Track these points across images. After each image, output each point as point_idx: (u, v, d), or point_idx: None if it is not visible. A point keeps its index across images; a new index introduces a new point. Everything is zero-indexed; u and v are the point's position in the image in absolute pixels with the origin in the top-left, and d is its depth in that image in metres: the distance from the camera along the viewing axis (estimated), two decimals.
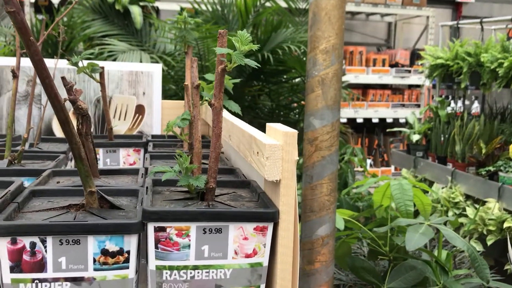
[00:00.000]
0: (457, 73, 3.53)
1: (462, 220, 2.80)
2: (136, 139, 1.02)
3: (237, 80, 1.26)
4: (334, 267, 2.01)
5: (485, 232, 2.73)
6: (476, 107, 4.47)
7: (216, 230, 0.53)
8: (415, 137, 3.67)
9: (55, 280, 0.51)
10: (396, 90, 4.70)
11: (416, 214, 1.83)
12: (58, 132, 1.08)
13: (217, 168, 0.58)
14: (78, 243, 0.50)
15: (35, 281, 0.50)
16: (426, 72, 3.70)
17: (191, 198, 0.59)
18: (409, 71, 4.43)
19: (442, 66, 3.67)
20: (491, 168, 3.04)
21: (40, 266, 0.50)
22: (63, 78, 0.65)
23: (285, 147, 0.53)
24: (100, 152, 0.98)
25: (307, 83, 1.19)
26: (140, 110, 1.11)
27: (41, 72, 0.48)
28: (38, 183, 0.64)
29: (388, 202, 1.78)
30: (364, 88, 4.54)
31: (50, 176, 0.70)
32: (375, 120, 4.56)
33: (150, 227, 0.52)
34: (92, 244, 0.51)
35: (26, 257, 0.50)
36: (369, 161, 4.60)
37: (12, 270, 0.50)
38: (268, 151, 0.53)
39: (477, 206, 2.82)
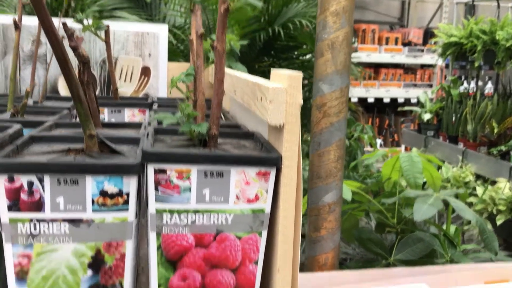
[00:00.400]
0: (471, 52, 3.47)
1: (472, 199, 2.77)
2: (141, 100, 1.01)
3: (245, 42, 1.24)
4: (341, 241, 2.00)
5: (495, 212, 2.70)
6: (489, 88, 4.41)
7: (217, 174, 0.52)
8: (426, 116, 3.63)
9: (53, 220, 0.50)
10: (408, 69, 4.63)
11: (425, 188, 1.80)
12: (64, 92, 1.07)
13: (219, 114, 0.56)
14: (76, 183, 0.49)
15: (33, 221, 0.49)
16: (439, 50, 3.64)
17: (193, 145, 0.58)
18: (422, 50, 4.36)
19: (456, 44, 3.60)
20: (503, 148, 3.00)
21: (38, 205, 0.49)
22: (64, 24, 0.63)
23: (289, 90, 0.51)
24: (105, 111, 0.97)
25: (316, 48, 1.17)
26: (146, 72, 1.10)
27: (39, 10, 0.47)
28: (39, 131, 0.63)
29: (397, 176, 1.76)
30: (376, 67, 4.48)
31: (52, 127, 0.69)
32: (386, 100, 4.52)
33: (150, 169, 0.51)
34: (91, 185, 0.50)
35: (23, 196, 0.49)
36: (379, 141, 4.57)
37: (10, 209, 0.49)
38: (272, 94, 0.51)
39: (488, 186, 2.79)
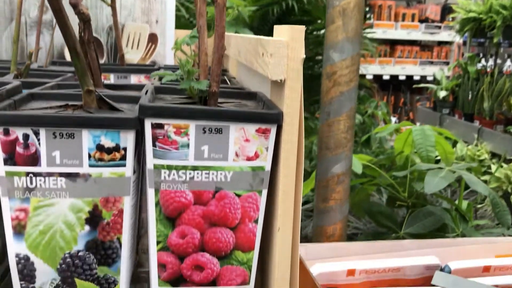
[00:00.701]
0: (490, 28, 3.39)
1: (486, 178, 2.73)
2: (148, 67, 1.00)
3: (253, 8, 1.22)
4: (352, 215, 1.99)
5: (509, 190, 2.66)
6: (508, 66, 4.32)
7: (216, 130, 0.50)
8: (442, 94, 3.57)
9: (50, 174, 0.49)
10: (424, 46, 4.56)
11: (437, 163, 1.78)
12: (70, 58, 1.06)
13: (219, 71, 0.55)
14: (72, 137, 0.48)
15: (29, 175, 0.49)
16: (457, 26, 3.57)
17: (193, 103, 0.57)
18: (439, 27, 4.28)
19: (474, 20, 3.52)
20: None
21: (34, 159, 0.49)
22: None
23: (291, 43, 0.50)
24: (111, 77, 0.96)
25: (327, 15, 1.14)
26: (153, 39, 1.09)
27: None
28: (40, 89, 0.62)
29: (410, 150, 1.73)
30: (392, 44, 4.41)
31: (54, 88, 0.68)
32: (402, 77, 4.46)
33: (147, 123, 0.49)
34: (87, 139, 0.49)
35: (19, 149, 0.48)
36: (394, 119, 4.52)
37: (6, 162, 0.48)
38: (272, 48, 0.50)
39: (503, 164, 2.75)
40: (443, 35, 4.29)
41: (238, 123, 0.51)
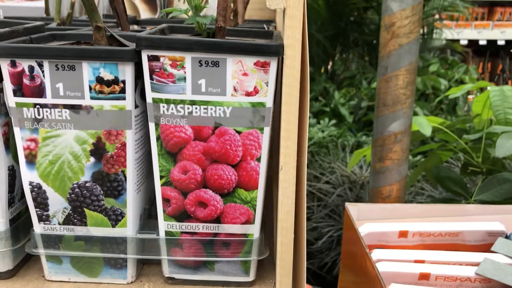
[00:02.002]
0: None
1: None
2: None
3: None
4: (426, 183, 1.90)
5: None
6: None
7: (212, 63, 0.49)
8: None
9: (55, 106, 0.51)
10: None
11: None
12: None
13: (226, 5, 0.53)
14: (73, 69, 0.50)
15: (37, 106, 0.51)
16: None
17: None
18: None
19: None
20: None
21: (40, 91, 0.50)
22: None
23: None
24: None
25: None
26: None
27: None
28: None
29: (490, 114, 1.61)
30: (491, 6, 4.08)
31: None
32: (500, 42, 4.12)
33: (144, 56, 0.49)
34: (87, 71, 0.50)
35: (26, 81, 0.50)
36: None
37: (15, 93, 0.51)
38: None
39: None
40: None
41: (235, 56, 0.49)
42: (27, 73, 0.50)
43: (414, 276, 0.94)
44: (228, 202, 0.54)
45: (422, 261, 0.98)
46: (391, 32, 1.07)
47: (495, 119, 1.47)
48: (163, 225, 0.55)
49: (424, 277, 0.94)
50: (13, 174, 0.56)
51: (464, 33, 3.97)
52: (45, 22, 0.72)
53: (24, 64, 0.50)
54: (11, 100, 0.51)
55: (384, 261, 0.96)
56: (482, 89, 2.30)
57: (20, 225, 0.59)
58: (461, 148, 1.53)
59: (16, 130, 0.52)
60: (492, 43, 4.10)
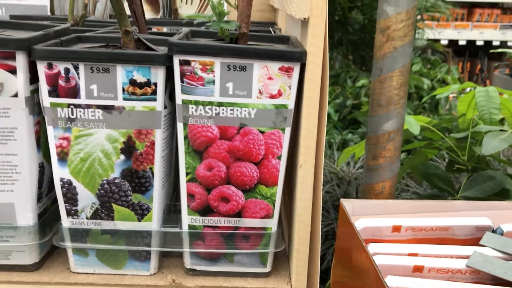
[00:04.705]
0: None
1: None
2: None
3: None
4: (411, 180, 1.96)
5: None
6: None
7: (240, 67, 0.53)
8: None
9: (88, 106, 0.54)
10: (507, 9, 4.27)
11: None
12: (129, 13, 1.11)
13: (249, 12, 0.57)
14: (107, 71, 0.53)
15: (70, 106, 0.54)
16: None
17: None
18: None
19: None
20: None
21: (74, 92, 0.53)
22: None
23: None
24: (164, 30, 1.00)
25: None
26: None
27: None
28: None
29: (475, 113, 1.67)
30: (470, 7, 4.18)
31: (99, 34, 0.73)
32: (479, 43, 4.23)
33: (176, 60, 0.53)
34: (121, 74, 0.53)
35: (61, 82, 0.53)
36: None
37: (50, 94, 0.53)
38: None
39: None
40: None
41: (262, 61, 0.52)
42: (63, 74, 0.53)
43: (409, 268, 0.99)
44: (249, 198, 0.58)
45: (415, 254, 1.03)
46: (386, 35, 1.12)
47: (481, 118, 1.53)
48: (187, 219, 0.59)
49: (418, 269, 0.99)
50: (43, 171, 0.59)
51: (445, 33, 4.07)
52: (52, 22, 0.74)
53: (60, 66, 0.52)
54: (46, 100, 0.54)
55: (380, 255, 1.00)
56: (463, 89, 2.37)
57: (46, 220, 0.61)
58: (447, 146, 1.59)
59: (50, 129, 0.55)
60: (471, 43, 4.21)
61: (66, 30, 0.63)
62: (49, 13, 1.11)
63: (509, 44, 4.29)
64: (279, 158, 0.56)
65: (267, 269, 0.62)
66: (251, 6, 0.57)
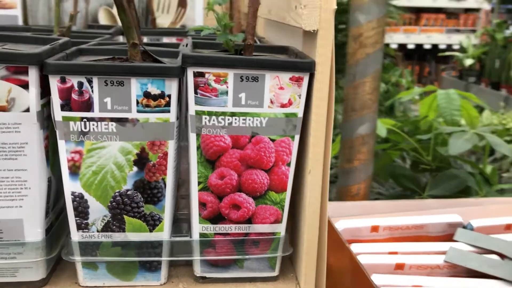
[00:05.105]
0: None
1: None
2: (179, 29, 1.04)
3: None
4: (375, 181, 2.02)
5: None
6: None
7: (252, 78, 0.54)
8: (468, 62, 3.53)
9: (102, 119, 0.54)
10: (451, 14, 4.48)
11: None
12: (104, 22, 1.10)
13: (255, 24, 0.58)
14: (122, 84, 0.53)
15: (83, 120, 0.54)
16: None
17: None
18: None
19: None
20: None
21: (88, 105, 0.53)
22: None
23: None
24: (144, 40, 1.00)
25: None
26: (182, 3, 1.12)
27: None
28: (86, 45, 0.66)
29: (435, 115, 1.75)
30: (417, 12, 4.35)
31: (98, 45, 0.73)
32: (427, 46, 4.41)
33: (190, 72, 0.54)
34: (135, 86, 0.53)
35: (74, 96, 0.53)
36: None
37: (63, 108, 0.53)
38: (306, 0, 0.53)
39: None
40: (470, 2, 4.22)
41: (273, 72, 0.54)
42: (76, 88, 0.53)
43: (391, 266, 1.03)
44: (260, 204, 0.59)
45: (395, 253, 1.08)
46: (359, 42, 1.16)
47: (443, 120, 1.61)
48: (198, 227, 0.60)
49: (399, 267, 1.03)
50: (50, 185, 0.58)
51: (394, 38, 4.21)
52: (34, 34, 0.73)
53: (73, 80, 0.52)
54: (58, 114, 0.53)
55: (362, 254, 1.04)
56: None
57: (53, 234, 0.61)
58: (412, 147, 1.66)
59: (61, 143, 0.54)
60: (419, 47, 4.38)
61: (67, 43, 0.62)
62: (21, 23, 1.09)
63: (454, 47, 4.50)
64: (288, 164, 0.58)
65: (276, 273, 0.63)
66: (257, 19, 0.59)
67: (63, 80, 0.52)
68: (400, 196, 1.53)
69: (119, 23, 1.15)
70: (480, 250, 1.06)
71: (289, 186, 0.59)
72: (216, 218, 0.59)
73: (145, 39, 1.00)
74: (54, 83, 0.52)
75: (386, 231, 1.16)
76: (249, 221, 0.60)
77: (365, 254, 1.05)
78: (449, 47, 4.48)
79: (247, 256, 0.61)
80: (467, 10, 4.49)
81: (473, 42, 3.78)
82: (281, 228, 0.61)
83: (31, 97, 0.53)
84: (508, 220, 1.18)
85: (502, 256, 1.04)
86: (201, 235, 0.60)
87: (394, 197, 1.54)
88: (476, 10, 4.33)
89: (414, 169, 1.68)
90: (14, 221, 0.57)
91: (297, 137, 0.57)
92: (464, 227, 1.16)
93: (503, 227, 1.17)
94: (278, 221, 0.60)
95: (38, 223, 0.58)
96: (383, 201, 1.23)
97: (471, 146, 1.36)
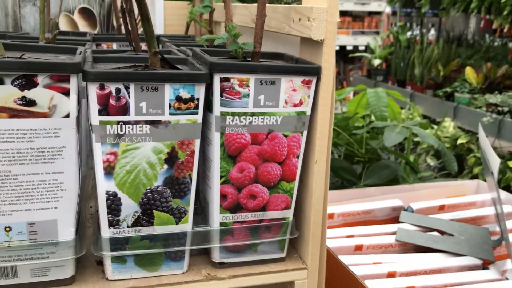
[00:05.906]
0: None
1: (418, 139, 2.99)
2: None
3: None
4: None
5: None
6: (432, 35, 4.65)
7: (270, 82, 0.62)
8: (376, 62, 3.80)
9: (137, 122, 0.59)
10: (356, 17, 4.78)
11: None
12: (64, 28, 1.11)
13: (262, 34, 0.66)
14: (156, 90, 0.58)
15: (120, 123, 0.58)
16: None
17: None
18: None
19: None
20: (448, 90, 3.21)
21: (124, 110, 0.58)
22: None
23: (329, 10, 0.62)
24: (114, 46, 1.03)
25: None
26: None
27: None
28: (90, 52, 0.70)
29: (363, 111, 1.91)
30: None
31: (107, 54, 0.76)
32: (335, 48, 4.65)
33: (216, 78, 0.60)
34: (168, 91, 0.59)
35: (112, 101, 0.57)
36: None
37: (100, 113, 0.57)
38: (315, 14, 0.61)
39: (434, 126, 3.01)
40: (374, 6, 4.53)
41: (288, 76, 0.62)
42: (114, 94, 0.57)
43: (351, 248, 1.15)
44: (273, 193, 0.67)
45: (352, 236, 1.20)
46: None
47: (373, 116, 1.77)
48: (219, 217, 0.66)
49: (359, 248, 1.15)
50: (83, 186, 0.62)
51: None
52: (19, 40, 0.75)
53: (112, 87, 0.57)
54: (95, 118, 0.57)
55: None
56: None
57: (80, 233, 0.64)
58: (346, 141, 1.80)
59: (97, 145, 0.58)
60: None
61: (85, 51, 0.66)
62: None
63: (360, 48, 4.80)
64: (298, 157, 0.66)
65: (284, 254, 0.71)
66: (263, 29, 0.66)
67: (101, 87, 0.57)
68: (341, 186, 1.66)
69: (80, 29, 1.16)
70: (423, 229, 1.21)
71: (298, 176, 0.67)
72: (235, 207, 0.66)
73: (115, 45, 1.03)
74: (93, 89, 0.56)
75: (340, 218, 1.28)
76: (263, 208, 0.67)
77: (328, 238, 1.16)
78: (356, 48, 4.79)
79: (261, 241, 0.69)
80: (371, 13, 4.84)
81: (378, 43, 4.07)
82: (289, 214, 0.69)
83: (71, 103, 0.56)
84: (440, 202, 1.35)
85: (441, 232, 1.20)
86: (221, 224, 0.66)
87: (336, 187, 1.67)
88: (379, 13, 4.67)
89: (348, 161, 1.82)
90: (49, 222, 0.60)
91: (305, 133, 0.66)
92: (405, 210, 1.31)
93: (437, 208, 1.33)
94: (288, 207, 0.68)
95: (71, 223, 0.61)
96: (333, 191, 1.34)
97: (403, 138, 1.52)
